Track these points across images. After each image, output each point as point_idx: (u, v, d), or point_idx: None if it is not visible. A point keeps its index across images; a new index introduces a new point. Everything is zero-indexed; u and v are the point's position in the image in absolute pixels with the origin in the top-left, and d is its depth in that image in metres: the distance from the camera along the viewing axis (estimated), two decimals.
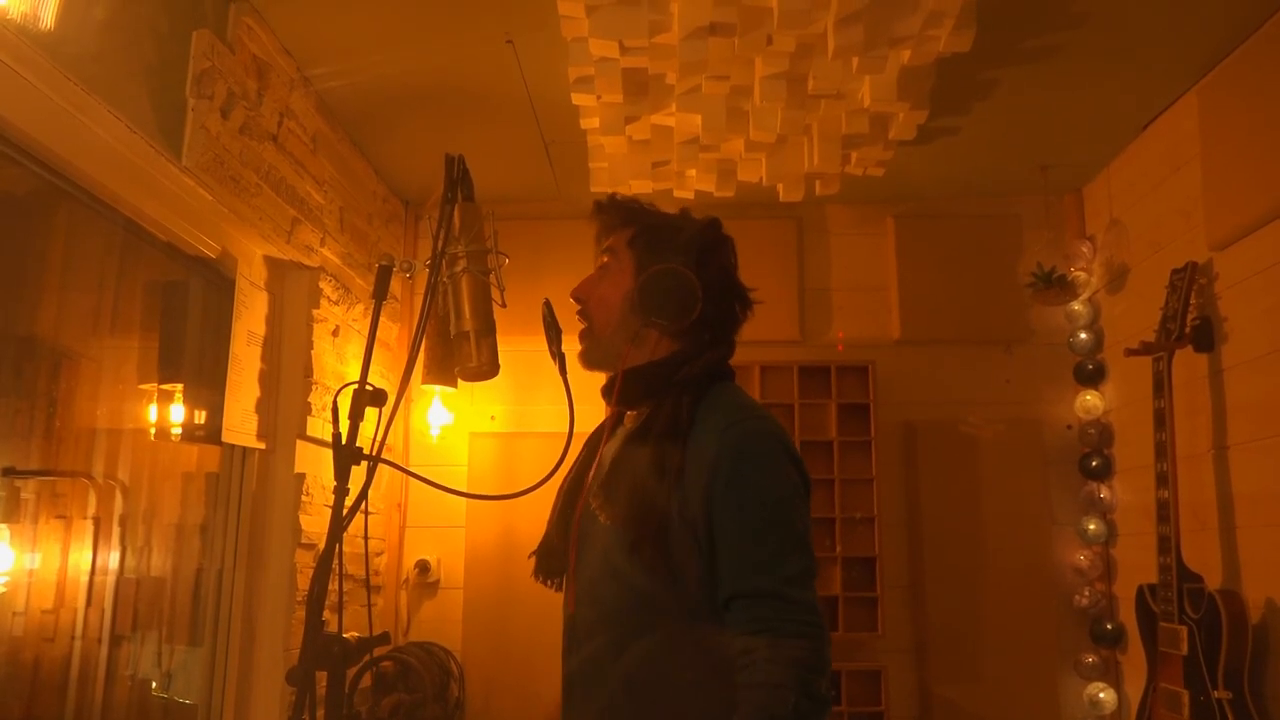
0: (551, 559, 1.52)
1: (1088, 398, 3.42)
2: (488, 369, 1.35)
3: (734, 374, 1.53)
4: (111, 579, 2.16)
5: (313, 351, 2.82)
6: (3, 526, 1.84)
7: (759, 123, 2.72)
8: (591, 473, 1.49)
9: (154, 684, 2.38)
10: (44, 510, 1.98)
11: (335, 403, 1.23)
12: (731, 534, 1.32)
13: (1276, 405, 2.44)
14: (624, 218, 1.56)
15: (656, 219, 1.56)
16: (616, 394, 1.48)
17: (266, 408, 2.65)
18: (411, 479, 3.30)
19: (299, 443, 2.74)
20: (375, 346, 1.31)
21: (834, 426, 3.45)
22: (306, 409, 2.76)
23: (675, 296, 1.45)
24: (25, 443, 1.95)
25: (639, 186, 3.12)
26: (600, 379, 1.54)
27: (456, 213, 1.34)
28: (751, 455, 1.35)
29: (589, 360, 1.54)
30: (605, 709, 1.37)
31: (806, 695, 1.23)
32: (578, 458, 1.58)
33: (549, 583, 1.54)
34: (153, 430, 2.40)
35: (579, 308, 1.55)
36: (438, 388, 3.47)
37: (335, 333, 3.01)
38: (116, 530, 2.18)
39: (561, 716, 1.46)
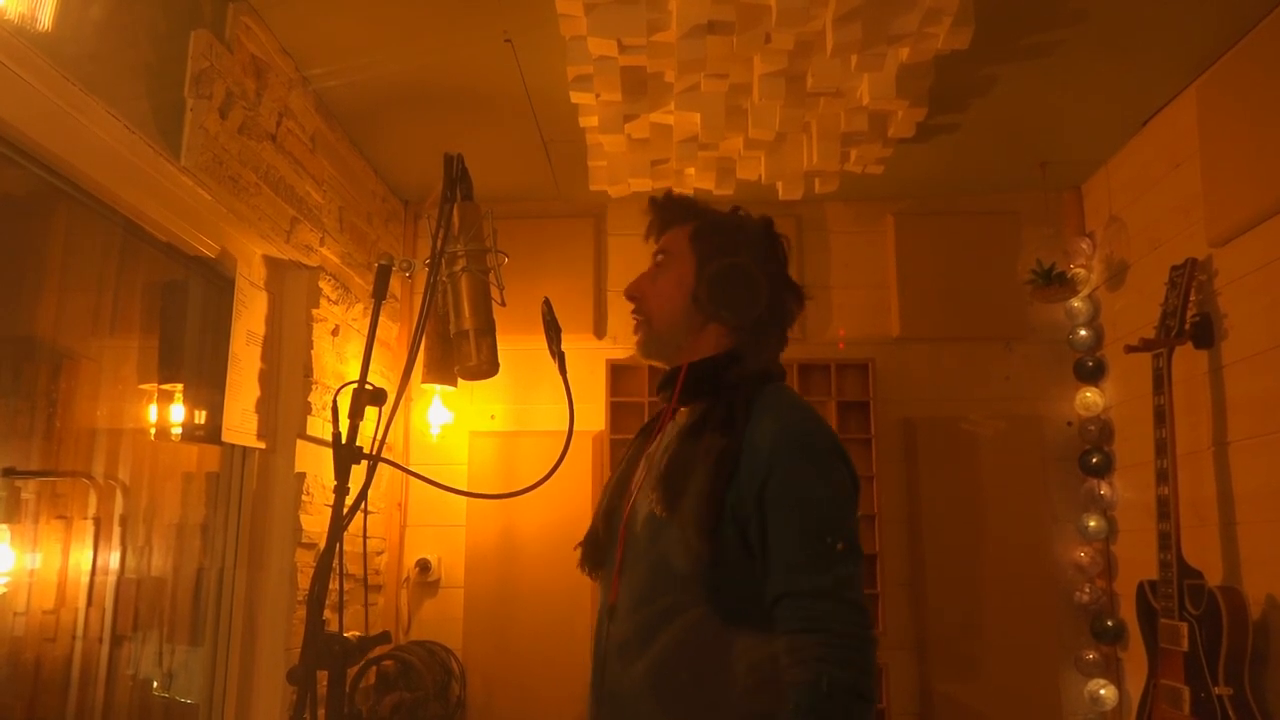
0: (597, 551, 1.53)
1: (1088, 394, 3.42)
2: (487, 368, 1.35)
3: (785, 373, 1.55)
4: (112, 579, 2.16)
5: (312, 351, 2.82)
6: (3, 527, 1.84)
7: (758, 121, 2.72)
8: (641, 467, 1.50)
9: (155, 683, 2.38)
10: (44, 510, 1.98)
11: (335, 402, 1.23)
12: (784, 534, 1.33)
13: (1276, 401, 2.44)
14: (683, 214, 1.57)
15: (716, 216, 1.57)
16: (679, 389, 1.48)
17: (266, 407, 2.65)
18: (412, 478, 3.30)
19: (299, 442, 2.74)
20: (375, 345, 1.31)
21: (834, 424, 3.45)
22: (306, 408, 2.77)
23: (743, 291, 1.47)
24: (26, 443, 1.95)
25: (638, 185, 3.13)
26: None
27: (455, 211, 1.34)
28: (805, 457, 1.37)
29: (648, 352, 1.55)
30: (635, 691, 1.38)
31: (856, 695, 1.24)
32: (626, 452, 1.59)
33: (593, 575, 1.54)
34: (153, 430, 2.40)
35: (633, 306, 1.56)
36: (438, 387, 3.47)
37: (335, 332, 3.01)
38: (117, 530, 2.18)
39: (590, 706, 1.47)
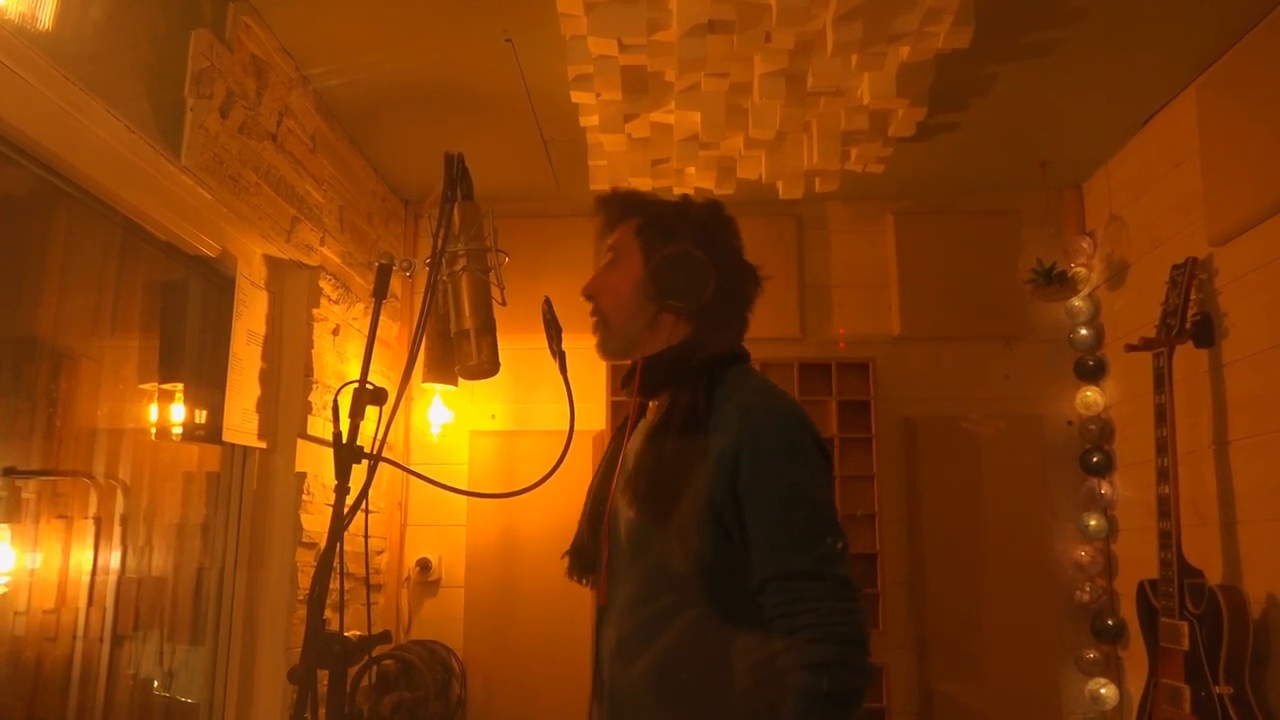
0: (583, 557, 1.53)
1: (1088, 393, 3.42)
2: (488, 367, 1.35)
3: (749, 356, 1.54)
4: (113, 578, 2.16)
5: (313, 350, 2.82)
6: (4, 526, 1.84)
7: (758, 120, 2.72)
8: (618, 468, 1.50)
9: (156, 683, 2.38)
10: (45, 510, 1.98)
11: (336, 401, 1.23)
12: (762, 517, 1.32)
13: (1277, 400, 2.44)
14: (627, 209, 1.57)
15: (660, 207, 1.57)
16: (638, 384, 1.48)
17: (267, 407, 2.65)
18: (412, 477, 3.30)
19: (300, 442, 2.74)
20: (375, 345, 1.31)
21: (834, 423, 3.45)
22: (307, 408, 2.76)
23: (689, 277, 1.46)
24: (26, 443, 1.95)
25: (638, 184, 3.12)
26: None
27: (456, 211, 1.34)
28: (774, 437, 1.36)
29: (607, 351, 1.55)
30: (634, 692, 1.38)
31: (853, 670, 1.25)
32: (605, 454, 1.59)
33: (583, 581, 1.54)
34: (153, 430, 2.40)
35: (590, 305, 1.55)
36: (438, 386, 3.47)
37: (335, 331, 3.01)
38: (118, 530, 2.18)
39: (590, 710, 1.47)
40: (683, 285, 1.46)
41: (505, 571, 3.47)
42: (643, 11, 2.25)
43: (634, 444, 1.49)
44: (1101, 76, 2.80)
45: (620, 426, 1.58)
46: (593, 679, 1.48)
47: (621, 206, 1.57)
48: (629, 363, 1.52)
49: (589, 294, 1.56)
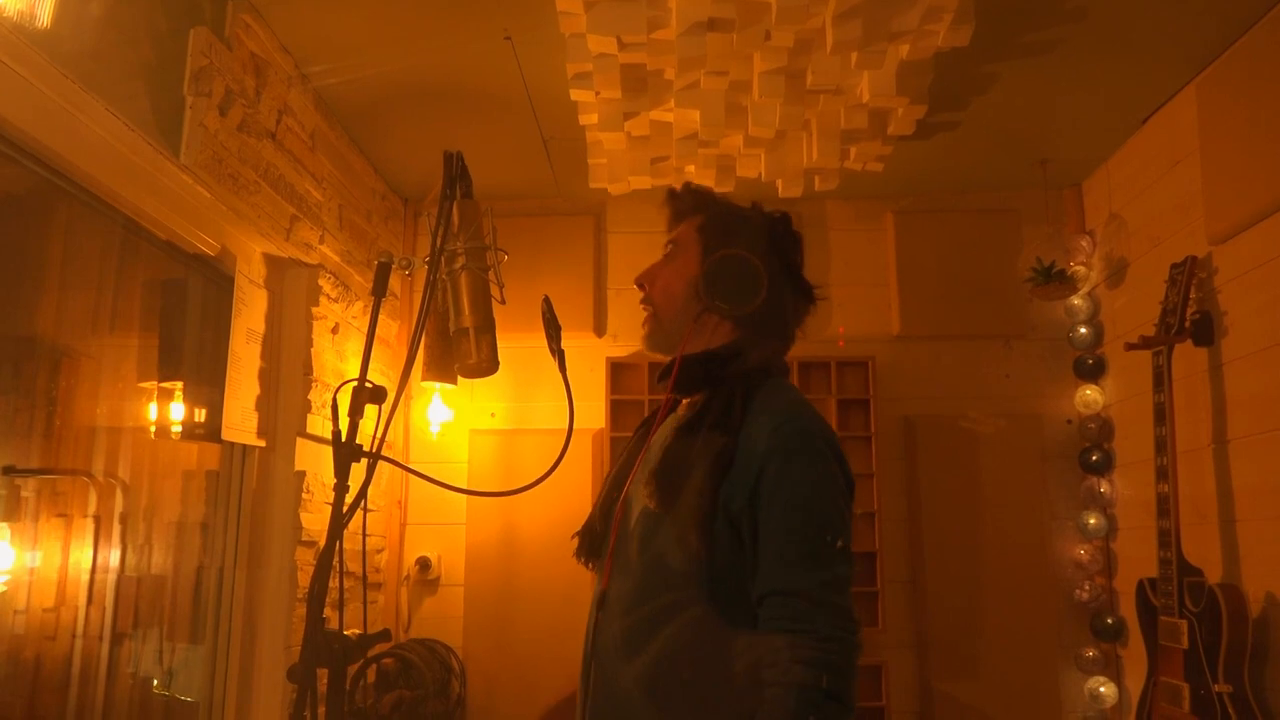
0: (592, 541, 1.53)
1: (1087, 392, 3.42)
2: (487, 366, 1.35)
3: (789, 370, 1.55)
4: (112, 577, 2.16)
5: (312, 349, 2.82)
6: (3, 525, 1.84)
7: (758, 118, 2.72)
8: (640, 460, 1.50)
9: (155, 682, 2.38)
10: (44, 508, 1.98)
11: (335, 400, 1.23)
12: (773, 531, 1.32)
13: (1276, 399, 2.44)
14: (694, 206, 1.59)
15: (726, 208, 1.58)
16: (673, 381, 1.49)
17: (266, 405, 2.65)
18: (412, 476, 3.30)
19: (299, 440, 2.74)
20: (375, 343, 1.31)
21: (834, 422, 3.45)
22: (306, 406, 2.76)
23: (740, 281, 1.47)
24: (25, 441, 1.95)
25: (638, 183, 3.12)
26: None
27: (455, 209, 1.34)
28: (799, 455, 1.36)
29: (651, 343, 1.56)
30: (631, 689, 1.37)
31: (831, 698, 1.24)
32: (627, 444, 1.60)
33: (589, 564, 1.54)
34: (153, 428, 2.40)
35: (641, 295, 1.57)
36: (437, 384, 3.47)
37: (335, 330, 3.01)
38: (117, 528, 2.18)
39: (579, 695, 1.47)
40: (731, 288, 1.47)
41: (505, 570, 3.47)
42: (642, 9, 2.25)
43: (660, 438, 1.49)
44: (1101, 76, 2.80)
45: (646, 419, 1.58)
46: (582, 668, 1.47)
47: (689, 203, 1.59)
48: (667, 359, 1.53)
49: (641, 282, 1.57)
